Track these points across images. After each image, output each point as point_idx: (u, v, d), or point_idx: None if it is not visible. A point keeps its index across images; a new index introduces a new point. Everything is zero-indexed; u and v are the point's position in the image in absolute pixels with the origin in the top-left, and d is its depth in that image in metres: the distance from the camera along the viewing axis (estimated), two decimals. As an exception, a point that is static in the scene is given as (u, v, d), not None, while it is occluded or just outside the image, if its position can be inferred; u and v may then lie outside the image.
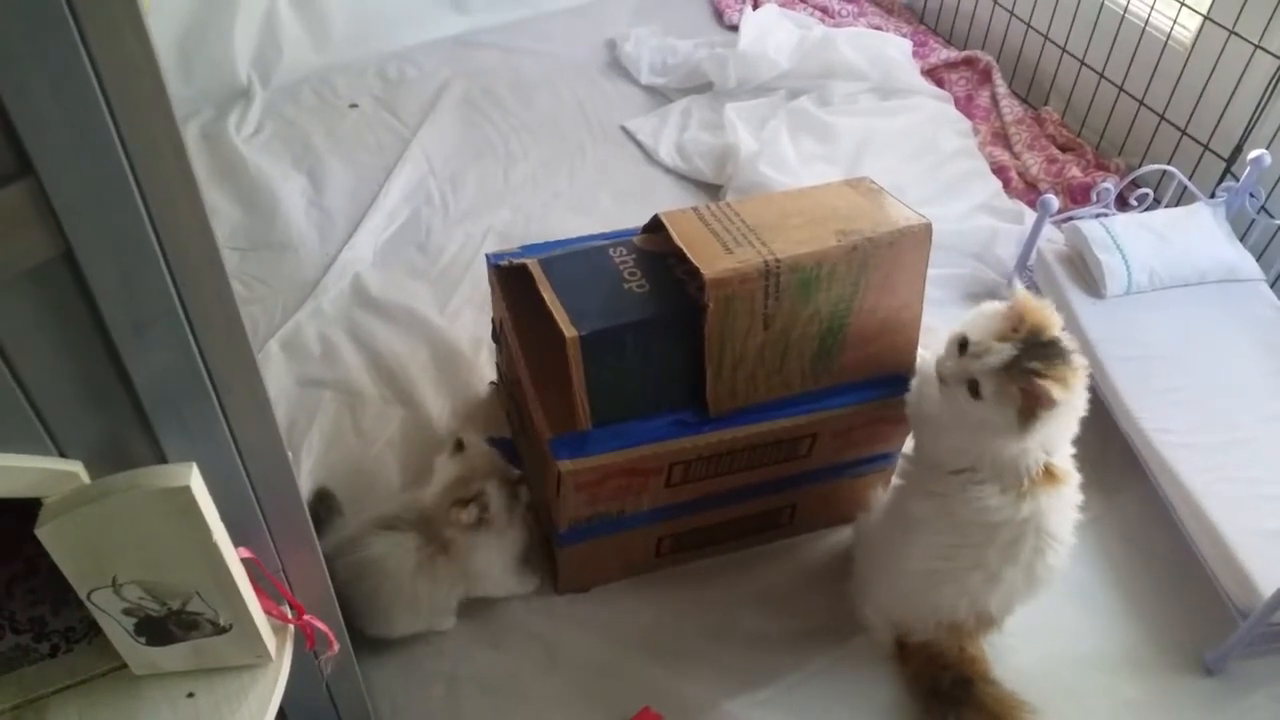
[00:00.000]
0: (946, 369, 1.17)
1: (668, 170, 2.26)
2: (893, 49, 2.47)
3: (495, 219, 2.10)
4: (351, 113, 2.40)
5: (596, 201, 2.16)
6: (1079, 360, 1.13)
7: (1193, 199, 1.83)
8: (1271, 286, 1.75)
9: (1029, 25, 2.45)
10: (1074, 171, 2.16)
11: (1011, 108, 2.39)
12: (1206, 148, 2.03)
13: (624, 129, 2.38)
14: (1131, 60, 2.17)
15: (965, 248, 1.99)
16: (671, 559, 1.47)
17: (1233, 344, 1.62)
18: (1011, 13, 2.50)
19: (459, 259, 2.00)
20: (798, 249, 1.25)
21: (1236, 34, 1.92)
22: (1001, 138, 2.34)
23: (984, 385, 1.13)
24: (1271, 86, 1.87)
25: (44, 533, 0.70)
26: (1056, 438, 1.16)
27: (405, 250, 2.03)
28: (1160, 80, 2.11)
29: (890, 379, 1.36)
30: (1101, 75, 2.25)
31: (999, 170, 2.22)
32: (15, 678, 0.86)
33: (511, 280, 1.43)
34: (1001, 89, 2.45)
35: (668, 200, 2.14)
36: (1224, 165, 1.99)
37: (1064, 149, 2.28)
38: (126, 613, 0.79)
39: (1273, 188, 1.84)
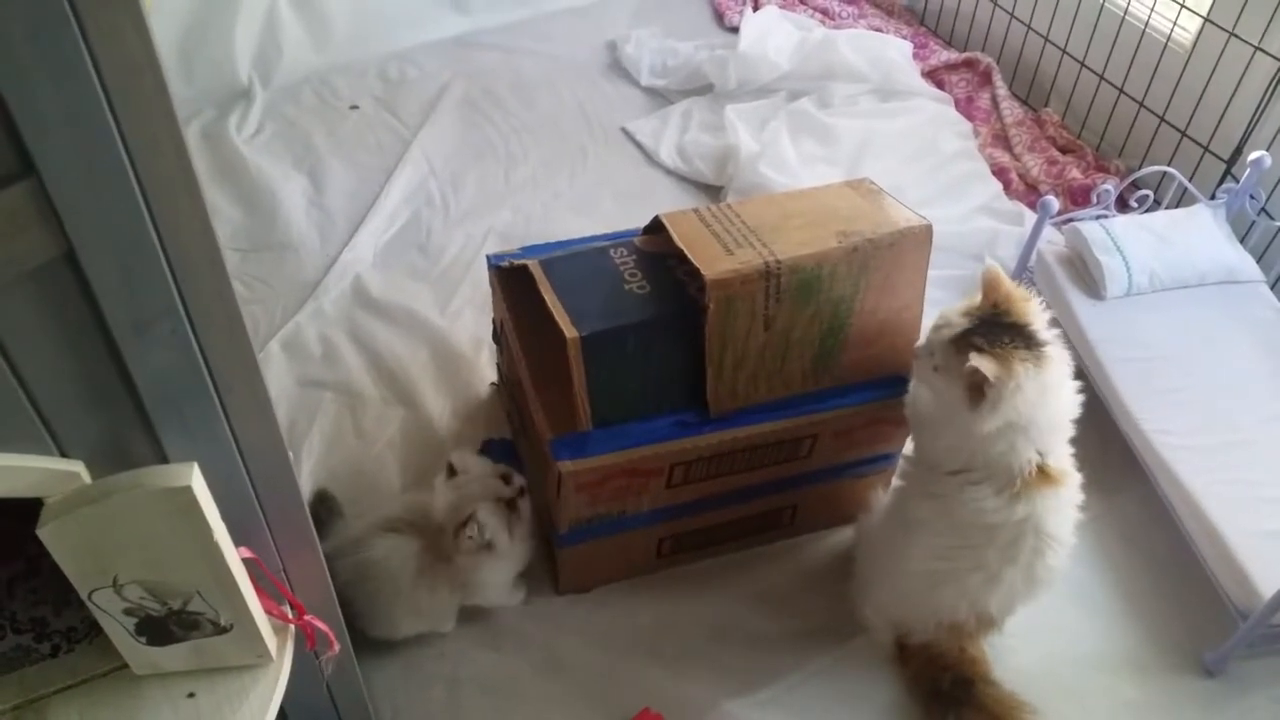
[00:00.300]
0: (919, 345, 1.18)
1: (668, 172, 2.26)
2: (893, 51, 2.47)
3: (496, 220, 2.10)
4: (352, 113, 2.40)
5: (597, 203, 2.16)
6: (1052, 352, 1.13)
7: (1193, 200, 1.83)
8: (1272, 288, 1.75)
9: (1029, 27, 2.45)
10: (1074, 173, 2.16)
11: (1012, 109, 2.39)
12: (1206, 149, 2.03)
13: (624, 130, 2.38)
14: (1131, 62, 2.17)
15: (966, 249, 1.99)
16: (672, 560, 1.47)
17: (1233, 345, 1.62)
18: (1012, 15, 2.50)
19: (459, 260, 2.00)
20: (798, 250, 1.25)
21: (1236, 36, 1.92)
22: (1002, 139, 2.34)
23: (937, 358, 1.14)
24: (1271, 88, 1.87)
25: (45, 533, 0.71)
26: (1047, 436, 1.16)
27: (406, 251, 2.03)
28: (1160, 82, 2.11)
29: (891, 380, 1.36)
30: (1101, 77, 2.26)
31: (999, 172, 2.22)
32: (16, 678, 0.86)
33: (512, 281, 1.43)
34: (1002, 91, 2.45)
35: (668, 201, 2.14)
36: (1224, 167, 1.99)
37: (1064, 151, 2.28)
38: (127, 613, 0.79)
39: (1273, 189, 1.84)
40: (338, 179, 2.19)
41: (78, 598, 0.77)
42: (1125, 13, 2.17)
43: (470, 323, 1.85)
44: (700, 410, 1.31)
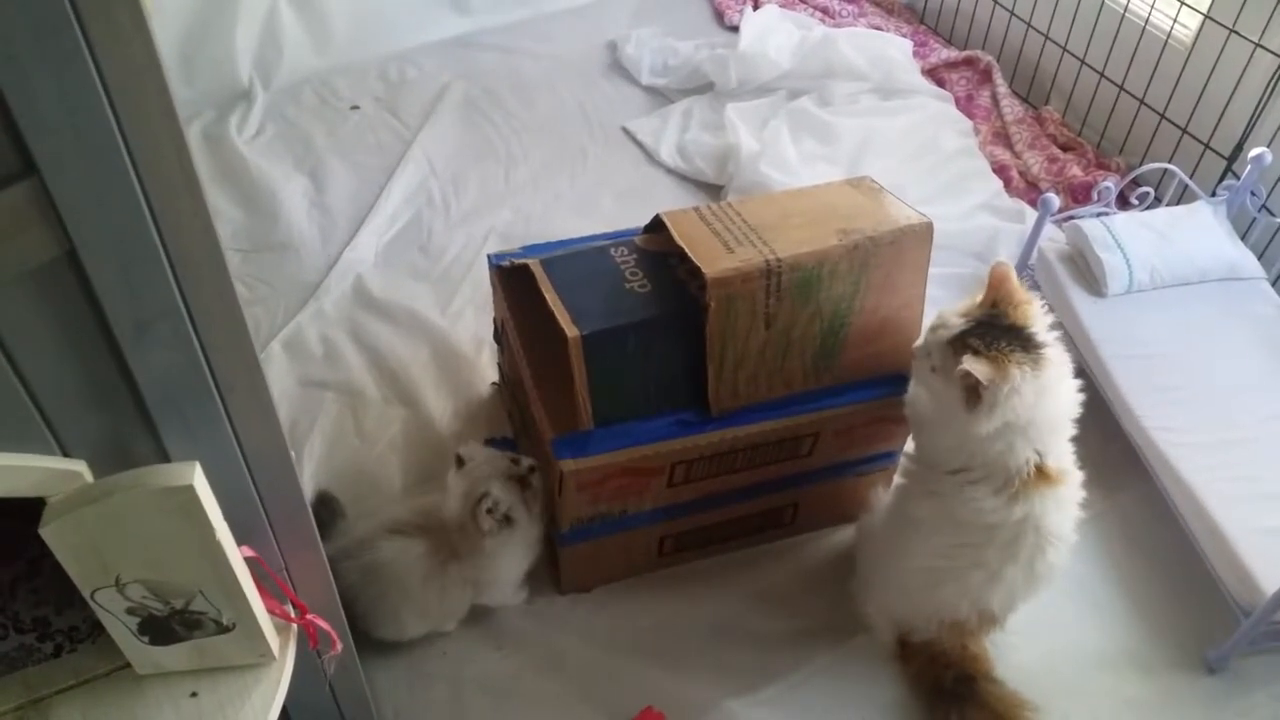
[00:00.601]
0: (917, 345, 1.18)
1: (669, 171, 2.26)
2: (893, 49, 2.47)
3: (496, 220, 2.10)
4: (353, 114, 2.40)
5: (597, 202, 2.17)
6: (1051, 354, 1.13)
7: (1194, 198, 1.83)
8: (1273, 285, 1.75)
9: (1029, 25, 2.45)
10: (1075, 170, 2.16)
11: (1012, 107, 2.39)
12: (1207, 146, 2.03)
13: (625, 130, 2.38)
14: (1132, 59, 2.17)
15: (966, 247, 1.99)
16: (674, 559, 1.48)
17: (1234, 342, 1.62)
18: (1012, 12, 2.50)
19: (460, 260, 2.00)
20: (799, 248, 1.25)
21: (1237, 32, 1.92)
22: (1002, 137, 2.34)
23: (935, 358, 1.14)
24: (1272, 85, 1.87)
25: (48, 532, 0.71)
26: (1046, 437, 1.16)
27: (407, 251, 2.03)
28: (1161, 79, 2.11)
29: (892, 378, 1.36)
30: (1102, 74, 2.26)
31: (1000, 170, 2.22)
32: (19, 678, 0.86)
33: (513, 281, 1.43)
34: (1002, 89, 2.45)
35: (669, 201, 2.14)
36: (1225, 164, 1.99)
37: (1065, 148, 2.28)
38: (130, 612, 0.79)
39: (1274, 186, 1.84)
40: (338, 179, 2.19)
41: (80, 597, 0.77)
42: (1125, 10, 2.17)
43: (471, 322, 1.85)
44: (701, 409, 1.31)
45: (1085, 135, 2.32)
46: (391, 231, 2.07)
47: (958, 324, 1.16)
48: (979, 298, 1.19)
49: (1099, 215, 1.79)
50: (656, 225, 1.38)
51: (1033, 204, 2.06)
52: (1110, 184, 1.82)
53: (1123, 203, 1.96)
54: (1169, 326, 1.64)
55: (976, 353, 1.11)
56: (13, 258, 0.60)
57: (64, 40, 0.53)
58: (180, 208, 0.63)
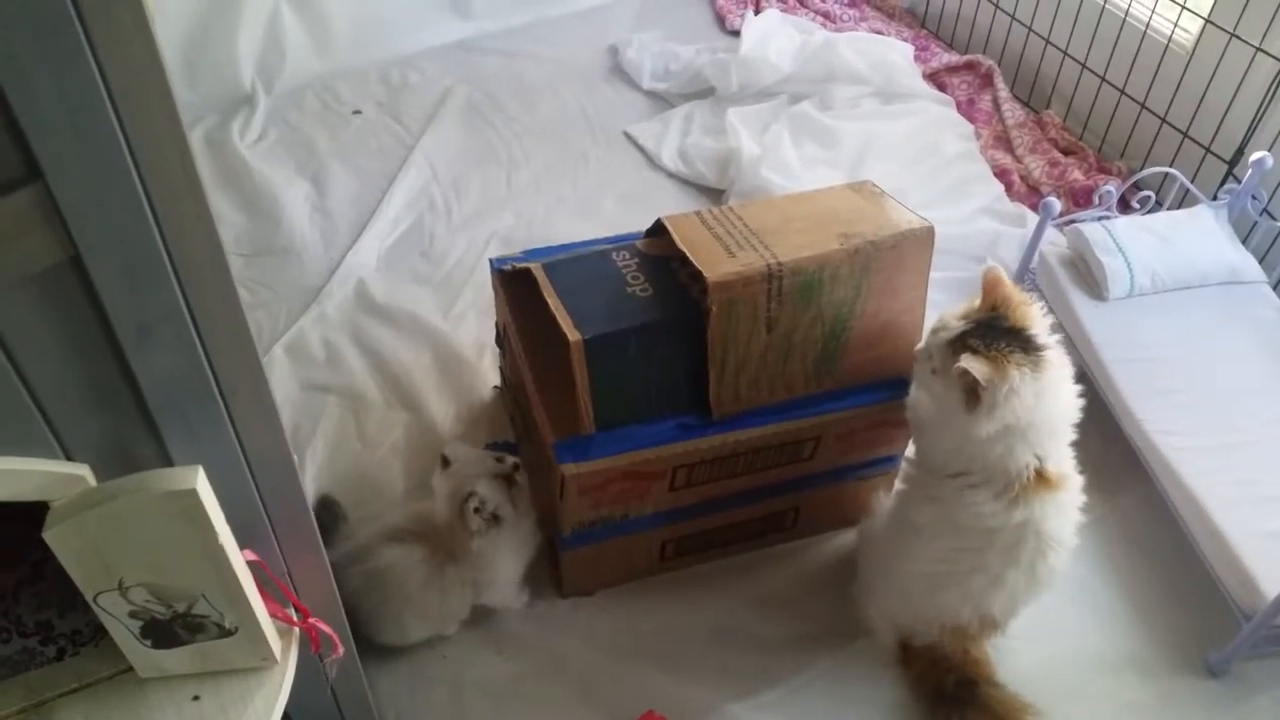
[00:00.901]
0: (918, 348, 1.18)
1: (670, 175, 2.26)
2: (894, 53, 2.47)
3: (498, 224, 2.11)
4: (355, 118, 2.41)
5: (599, 206, 2.17)
6: (1051, 357, 1.13)
7: (1195, 201, 1.83)
8: (1274, 289, 1.75)
9: (1030, 29, 2.45)
10: (1076, 174, 2.16)
11: (1013, 111, 2.39)
12: (1208, 150, 2.03)
13: (626, 134, 2.38)
14: (1133, 64, 2.17)
15: (968, 251, 1.99)
16: (675, 563, 1.48)
17: (1235, 346, 1.62)
18: (1013, 17, 2.50)
19: (462, 264, 2.01)
20: (800, 252, 1.25)
21: (1238, 37, 1.92)
22: (1003, 141, 2.34)
23: (935, 360, 1.14)
24: (1273, 89, 1.87)
25: (51, 536, 0.71)
26: (1046, 441, 1.16)
27: (409, 255, 2.03)
28: (1162, 83, 2.11)
29: (893, 382, 1.36)
30: (1103, 79, 2.26)
31: (1001, 174, 2.22)
32: (22, 681, 0.86)
33: (515, 285, 1.43)
34: (1003, 93, 2.45)
35: (670, 205, 2.15)
36: (1226, 168, 1.99)
37: (1066, 152, 2.28)
38: (133, 615, 0.80)
39: (1275, 190, 1.84)
40: (340, 184, 2.19)
41: (83, 601, 0.77)
42: (1126, 14, 2.17)
43: (473, 326, 1.85)
44: (703, 413, 1.31)
45: (1086, 139, 2.32)
46: (394, 236, 2.07)
47: (958, 326, 1.16)
48: (978, 301, 1.20)
49: (1100, 219, 1.79)
50: (658, 229, 1.38)
51: (1034, 208, 2.06)
52: (1111, 188, 1.82)
53: (1124, 206, 1.96)
54: (1170, 330, 1.64)
55: (976, 353, 1.11)
56: (17, 262, 0.60)
57: (66, 42, 0.54)
58: (183, 211, 0.63)
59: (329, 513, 1.43)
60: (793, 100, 2.41)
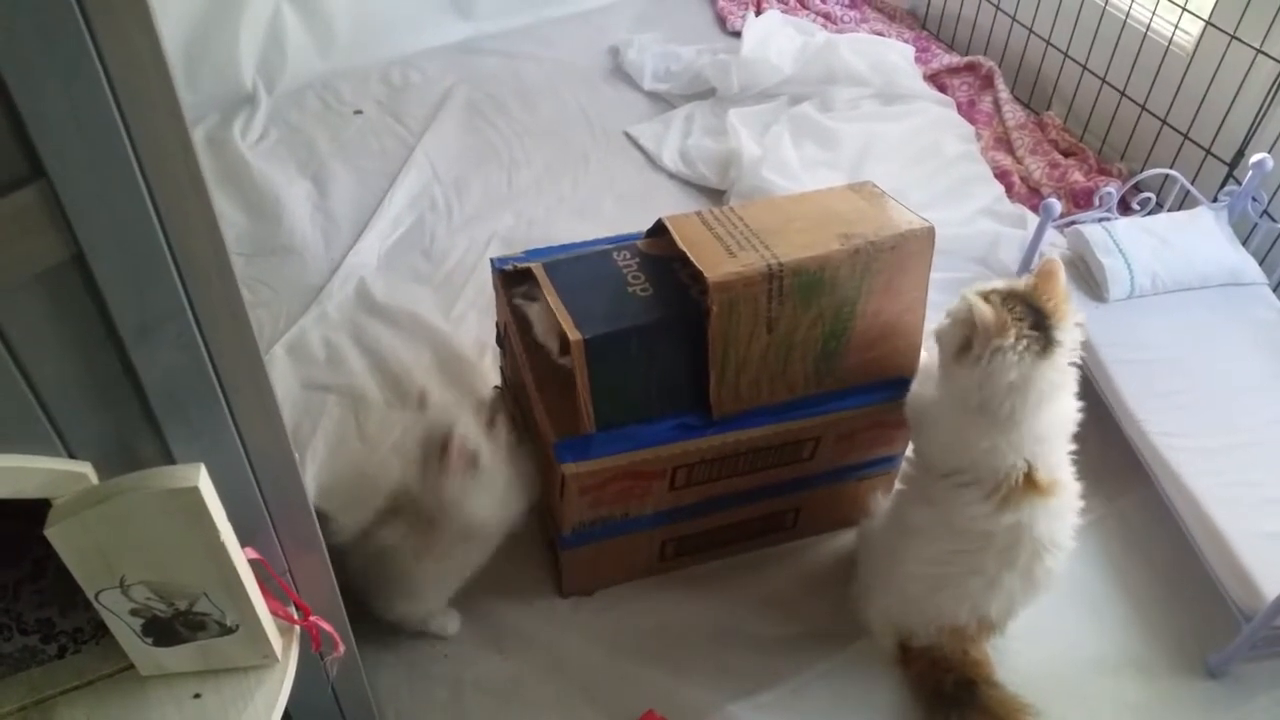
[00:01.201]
0: (939, 325, 1.20)
1: (671, 175, 2.26)
2: (895, 55, 2.48)
3: (499, 224, 2.11)
4: (356, 119, 2.41)
5: (600, 207, 2.17)
6: (1059, 358, 1.12)
7: (1195, 203, 1.84)
8: (1274, 290, 1.75)
9: (1031, 30, 2.46)
10: (1076, 176, 2.16)
11: (1014, 113, 2.39)
12: (1209, 152, 2.03)
13: (627, 135, 2.38)
14: (1133, 65, 2.17)
15: (968, 252, 1.99)
16: (675, 563, 1.48)
17: (1235, 347, 1.63)
18: (1013, 18, 2.51)
19: (463, 264, 2.01)
20: (801, 252, 1.25)
21: (1238, 39, 1.92)
22: (1004, 142, 2.34)
23: (954, 308, 1.15)
24: (1273, 91, 1.87)
25: (53, 533, 0.71)
26: (1035, 444, 1.15)
27: (410, 255, 2.03)
28: (1162, 85, 2.12)
29: (893, 382, 1.36)
30: (1104, 80, 2.26)
31: (1001, 175, 2.22)
32: (23, 679, 0.86)
33: (516, 285, 1.43)
34: (1004, 94, 2.45)
35: (671, 205, 2.15)
36: (1226, 169, 1.99)
37: (1066, 154, 2.28)
38: (134, 613, 0.80)
39: (1275, 192, 1.84)
40: (342, 184, 2.19)
41: (84, 599, 0.77)
42: (1127, 16, 2.18)
43: (474, 326, 1.85)
44: (703, 413, 1.31)
45: (1087, 141, 2.32)
46: (394, 235, 2.08)
47: (991, 287, 1.15)
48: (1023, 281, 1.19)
49: (1100, 220, 1.79)
50: (659, 229, 1.38)
51: (1034, 209, 2.07)
52: (1112, 189, 1.82)
53: (1124, 208, 1.96)
54: (1170, 331, 1.64)
55: (988, 301, 1.11)
56: (21, 261, 0.61)
57: (70, 41, 0.54)
58: (187, 209, 0.63)
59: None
60: (793, 101, 2.41)
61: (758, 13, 2.73)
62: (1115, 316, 1.66)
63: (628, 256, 1.38)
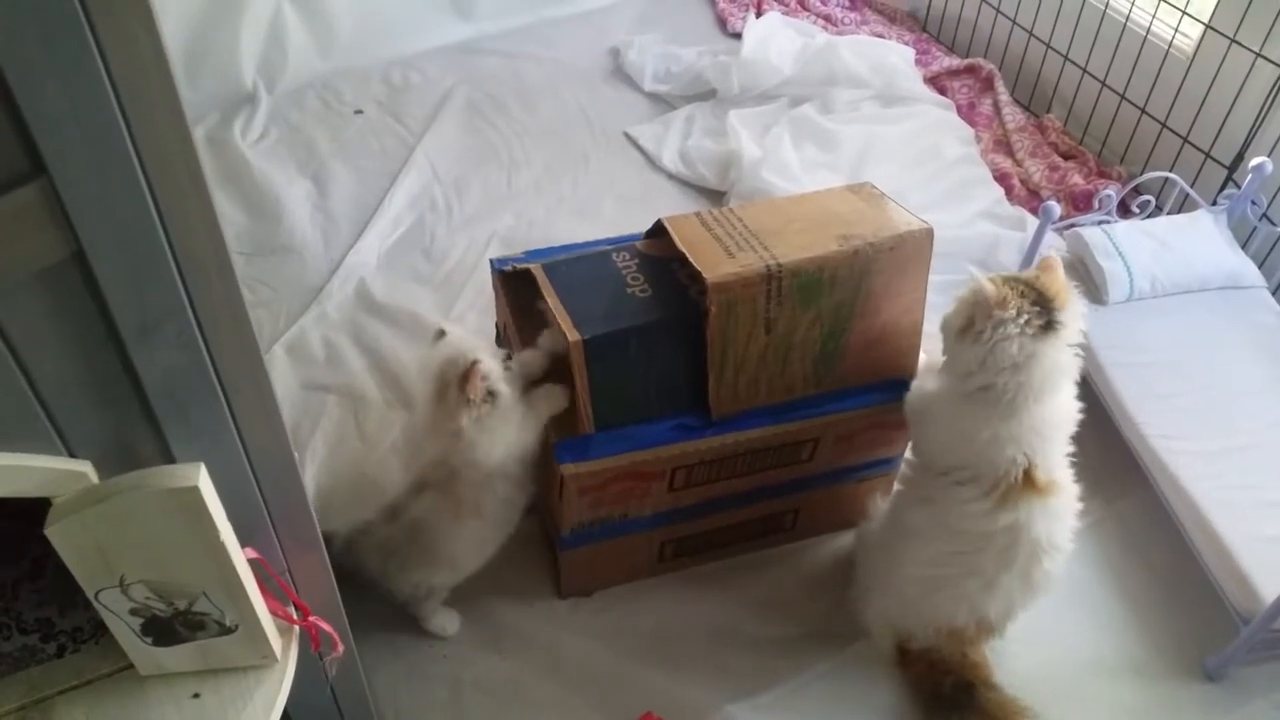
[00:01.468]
0: (947, 314, 1.20)
1: (670, 177, 2.27)
2: (895, 57, 2.48)
3: (499, 224, 2.11)
4: (356, 119, 2.41)
5: (600, 207, 2.17)
6: (1057, 341, 1.13)
7: (1194, 206, 1.84)
8: (1273, 294, 1.75)
9: (1031, 33, 2.46)
10: (1076, 178, 2.17)
11: (1013, 115, 2.40)
12: (1208, 155, 2.03)
13: (627, 135, 2.39)
14: (1133, 68, 2.18)
15: (967, 254, 1.99)
16: (674, 563, 1.48)
17: (1234, 350, 1.63)
18: (1014, 21, 2.51)
19: (463, 264, 2.01)
20: (800, 253, 1.25)
21: (1238, 42, 1.92)
22: (1004, 145, 2.34)
23: (960, 295, 1.17)
24: (1273, 94, 1.88)
25: (53, 532, 0.71)
26: (1034, 439, 1.15)
27: (410, 255, 2.03)
28: (1162, 88, 2.12)
29: (892, 383, 1.36)
30: (1103, 83, 2.26)
31: (1001, 177, 2.22)
32: (22, 678, 0.86)
33: (515, 285, 1.43)
34: (1004, 96, 2.46)
35: (670, 206, 2.15)
36: (1226, 172, 2.00)
37: (1066, 156, 2.28)
38: (133, 613, 0.80)
39: (1274, 195, 1.84)
40: (342, 183, 2.19)
41: (84, 598, 0.78)
42: (1127, 19, 2.18)
43: (474, 326, 1.85)
44: (702, 413, 1.31)
45: (1086, 143, 2.33)
46: (394, 235, 2.08)
47: (997, 275, 1.16)
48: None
49: (1100, 223, 1.79)
50: (658, 230, 1.38)
51: (1034, 212, 2.07)
52: (1111, 192, 1.82)
53: (1124, 211, 1.97)
54: (1169, 334, 1.64)
55: (994, 283, 1.12)
56: (21, 259, 0.61)
57: (72, 39, 0.54)
58: (187, 208, 0.63)
59: None
60: (793, 103, 2.41)
61: (758, 14, 2.74)
62: (1114, 319, 1.66)
63: (627, 257, 1.38)
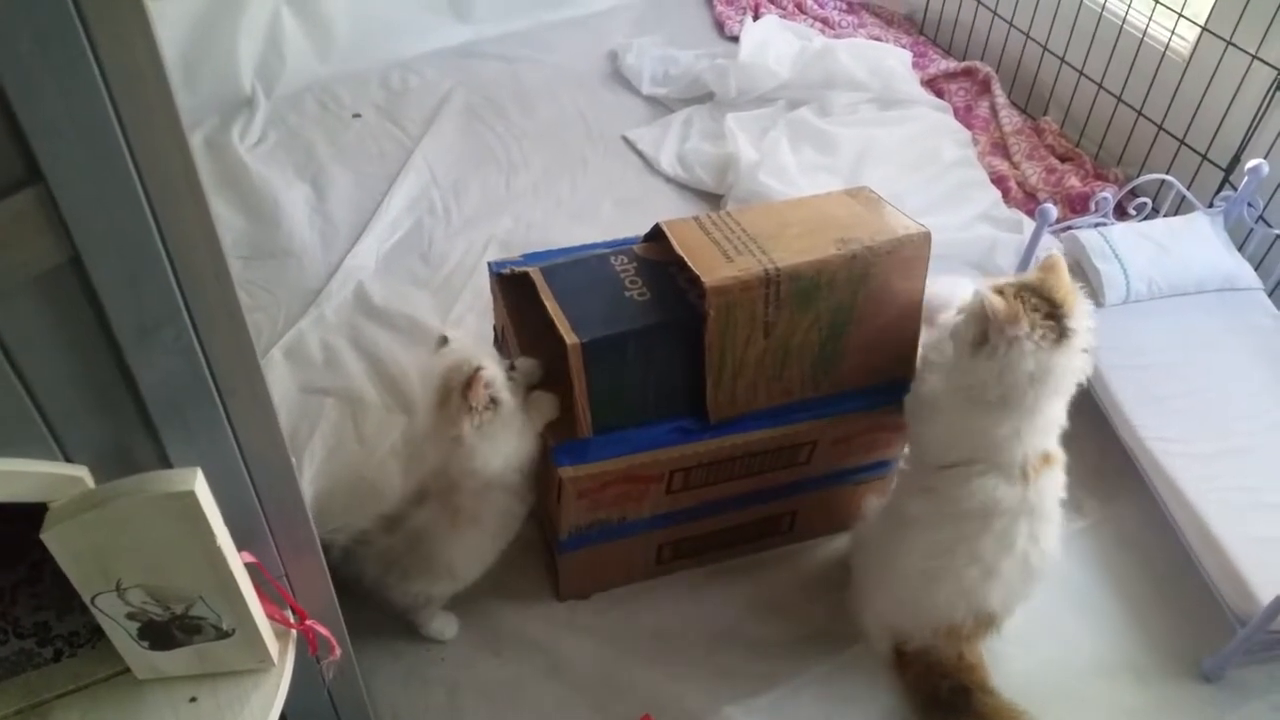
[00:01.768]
0: (955, 314, 1.21)
1: (669, 180, 2.27)
2: (892, 60, 2.48)
3: (497, 227, 2.11)
4: (354, 122, 2.41)
5: (598, 210, 2.17)
6: (1077, 339, 1.14)
7: (1191, 208, 1.84)
8: (1269, 295, 1.75)
9: (1028, 36, 2.46)
10: (1073, 181, 2.17)
11: (1010, 118, 2.40)
12: (1205, 157, 2.04)
13: (625, 139, 2.39)
14: (1130, 70, 2.18)
15: (965, 257, 1.99)
16: (672, 566, 1.48)
17: (1231, 352, 1.63)
18: (1010, 24, 2.51)
19: (461, 267, 2.01)
20: (798, 257, 1.25)
21: (1234, 44, 1.93)
22: (1001, 148, 2.35)
23: (967, 304, 1.17)
24: (1269, 96, 1.88)
25: (49, 537, 0.71)
26: (1042, 426, 1.17)
27: (408, 258, 2.04)
28: (1158, 90, 2.12)
29: (890, 387, 1.36)
30: (1100, 85, 2.27)
31: (998, 180, 2.23)
32: (19, 682, 0.86)
33: (513, 288, 1.44)
34: (1000, 99, 2.46)
35: (668, 209, 2.15)
36: (1222, 175, 2.00)
37: (1063, 159, 2.29)
38: (130, 617, 0.80)
39: (1271, 197, 1.85)
40: (340, 187, 2.19)
41: (80, 602, 0.78)
42: (1123, 22, 2.18)
43: (472, 329, 1.85)
44: (700, 417, 1.31)
45: (1083, 146, 2.33)
46: (393, 239, 2.08)
47: (1004, 281, 1.17)
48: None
49: (1096, 226, 1.79)
50: (656, 234, 1.38)
51: (1031, 214, 2.07)
52: (1108, 194, 1.83)
53: (1120, 213, 1.97)
54: (1166, 336, 1.64)
55: (1001, 294, 1.13)
56: (17, 264, 0.61)
57: (68, 45, 0.54)
58: (183, 213, 0.63)
59: None
60: (791, 106, 2.41)
61: (756, 17, 2.74)
62: (1111, 322, 1.66)
63: (625, 261, 1.38)
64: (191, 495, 0.71)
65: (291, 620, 0.92)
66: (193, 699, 0.87)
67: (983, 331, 1.14)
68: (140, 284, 0.65)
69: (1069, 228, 1.82)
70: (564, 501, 1.28)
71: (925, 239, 1.31)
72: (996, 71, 2.53)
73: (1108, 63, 2.24)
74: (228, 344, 0.71)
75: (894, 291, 1.32)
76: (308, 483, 1.57)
